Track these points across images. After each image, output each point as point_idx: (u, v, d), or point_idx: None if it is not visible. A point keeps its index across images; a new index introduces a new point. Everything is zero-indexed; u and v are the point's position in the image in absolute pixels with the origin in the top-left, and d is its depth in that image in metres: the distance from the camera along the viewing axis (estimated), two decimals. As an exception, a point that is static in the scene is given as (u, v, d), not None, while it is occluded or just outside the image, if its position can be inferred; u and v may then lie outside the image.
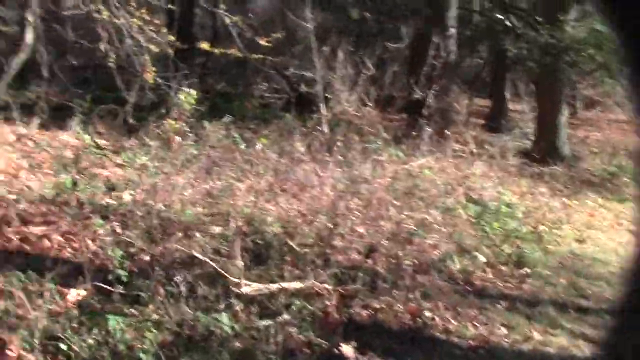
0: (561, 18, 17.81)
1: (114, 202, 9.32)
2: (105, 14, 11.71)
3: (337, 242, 8.79)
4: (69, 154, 11.35)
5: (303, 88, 16.60)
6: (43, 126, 13.51)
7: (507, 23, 20.59)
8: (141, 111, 13.40)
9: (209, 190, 9.78)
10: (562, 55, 17.89)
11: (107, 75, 14.07)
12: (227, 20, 12.92)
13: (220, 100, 19.43)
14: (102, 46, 12.60)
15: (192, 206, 9.19)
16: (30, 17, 11.77)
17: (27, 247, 8.07)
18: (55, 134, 13.15)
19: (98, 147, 11.92)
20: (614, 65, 17.60)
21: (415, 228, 9.61)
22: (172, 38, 13.12)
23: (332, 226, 8.94)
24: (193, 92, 11.92)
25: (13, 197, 9.32)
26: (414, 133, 14.14)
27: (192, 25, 22.61)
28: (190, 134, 11.74)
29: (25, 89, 15.89)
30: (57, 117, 13.73)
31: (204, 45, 14.59)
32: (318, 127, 12.99)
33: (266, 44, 12.74)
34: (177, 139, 11.26)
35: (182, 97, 11.78)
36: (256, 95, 21.12)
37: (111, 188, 9.89)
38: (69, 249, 8.13)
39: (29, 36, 11.96)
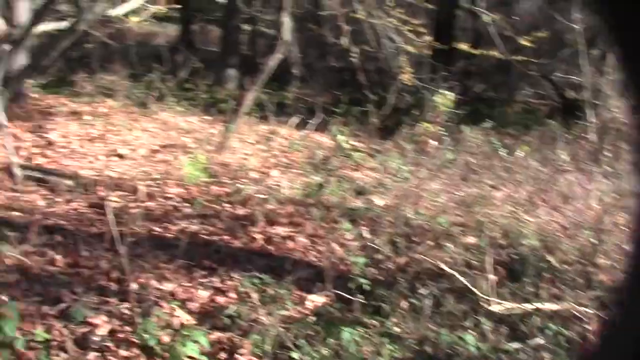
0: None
1: (364, 206, 8.97)
2: (361, 14, 11.43)
3: (602, 261, 8.02)
4: (321, 154, 11.19)
5: (570, 94, 15.77)
6: (298, 126, 13.53)
7: None
8: (397, 113, 13.09)
9: (464, 197, 9.24)
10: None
11: (365, 77, 13.89)
12: (488, 19, 12.25)
13: (481, 105, 18.91)
14: (354, 47, 12.40)
15: (445, 214, 8.70)
16: (285, 18, 11.71)
17: (270, 248, 7.87)
18: (310, 134, 13.10)
19: (352, 149, 11.70)
20: None
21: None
22: (429, 39, 12.71)
23: (596, 242, 8.18)
24: (450, 94, 11.42)
25: (262, 196, 9.21)
26: None
27: (452, 26, 22.11)
28: (447, 138, 11.27)
29: (282, 90, 16.06)
30: (312, 118, 13.67)
31: (463, 47, 14.05)
32: (584, 136, 12.18)
33: (528, 44, 12.01)
34: (433, 143, 10.81)
35: (438, 99, 11.30)
36: (519, 100, 20.47)
37: (361, 192, 9.57)
38: (313, 252, 7.86)
39: (285, 37, 11.91)
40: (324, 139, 12.57)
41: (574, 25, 13.56)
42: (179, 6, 23.08)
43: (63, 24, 9.37)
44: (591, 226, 8.37)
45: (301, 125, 13.52)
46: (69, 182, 9.14)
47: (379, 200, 9.16)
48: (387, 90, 12.97)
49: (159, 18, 25.32)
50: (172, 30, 26.86)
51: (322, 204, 8.91)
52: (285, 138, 12.74)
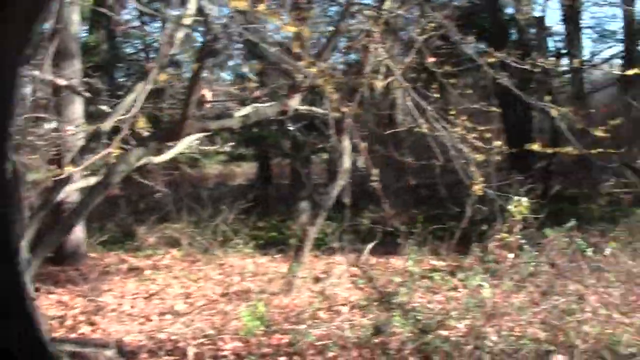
0: None
1: (438, 340, 8.28)
2: (425, 127, 11.08)
3: None
4: (395, 282, 10.60)
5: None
6: (372, 252, 13.01)
7: None
8: (474, 226, 12.55)
9: (549, 310, 8.53)
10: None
11: (441, 192, 13.55)
12: (555, 113, 11.79)
13: (564, 204, 18.40)
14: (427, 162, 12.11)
15: (529, 331, 8.02)
16: (346, 143, 11.46)
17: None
18: (386, 261, 12.65)
19: (431, 269, 11.19)
20: None
21: None
22: (498, 144, 12.23)
23: None
24: (524, 199, 10.84)
25: (325, 342, 8.61)
26: None
27: (526, 127, 21.80)
28: (527, 245, 10.64)
29: (357, 215, 15.66)
30: (390, 242, 13.18)
31: (536, 147, 13.55)
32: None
33: (604, 134, 11.50)
34: (509, 255, 10.19)
35: (513, 207, 10.73)
36: (603, 193, 19.89)
37: (440, 321, 8.90)
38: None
39: (346, 163, 11.64)
40: (402, 263, 12.01)
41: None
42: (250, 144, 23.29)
43: (92, 180, 9.06)
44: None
45: (376, 251, 13.02)
46: (109, 353, 8.65)
47: (461, 325, 8.52)
48: (464, 204, 12.45)
49: (235, 157, 25.70)
50: (249, 167, 27.20)
51: (393, 343, 8.28)
52: (361, 267, 12.21)
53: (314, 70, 9.32)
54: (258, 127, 19.74)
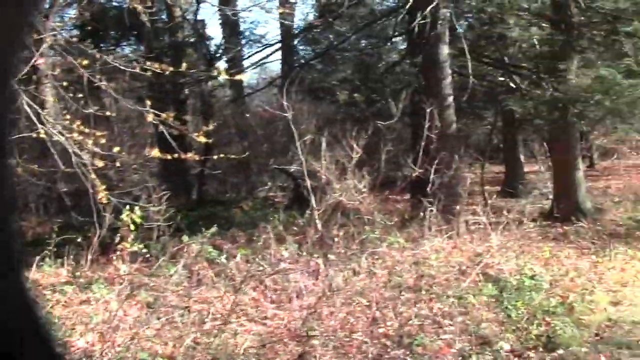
0: (562, 67, 16.87)
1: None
2: (42, 130, 10.43)
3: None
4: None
5: (305, 183, 15.70)
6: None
7: (511, 84, 19.72)
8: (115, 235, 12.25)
9: (164, 323, 8.45)
10: (569, 107, 16.92)
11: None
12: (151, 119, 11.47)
13: (218, 208, 18.63)
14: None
15: (147, 345, 7.91)
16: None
17: None
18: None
19: (66, 282, 10.76)
20: (624, 108, 16.66)
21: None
22: (117, 149, 11.87)
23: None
24: (137, 209, 10.55)
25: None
26: (421, 214, 13.06)
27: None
28: (151, 254, 10.49)
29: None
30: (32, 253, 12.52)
31: (191, 156, 13.43)
32: (311, 224, 11.92)
33: (205, 139, 11.62)
34: (122, 267, 10.02)
35: (124, 216, 10.42)
36: (260, 196, 20.39)
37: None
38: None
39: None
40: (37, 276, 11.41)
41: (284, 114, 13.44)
42: None
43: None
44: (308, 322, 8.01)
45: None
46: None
47: (82, 342, 8.26)
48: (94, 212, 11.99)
49: None
50: None
51: None
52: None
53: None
54: None
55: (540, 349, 8.71)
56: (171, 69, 11.04)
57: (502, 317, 9.48)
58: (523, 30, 17.07)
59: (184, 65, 12.09)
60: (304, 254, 10.64)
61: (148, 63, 10.72)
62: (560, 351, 8.66)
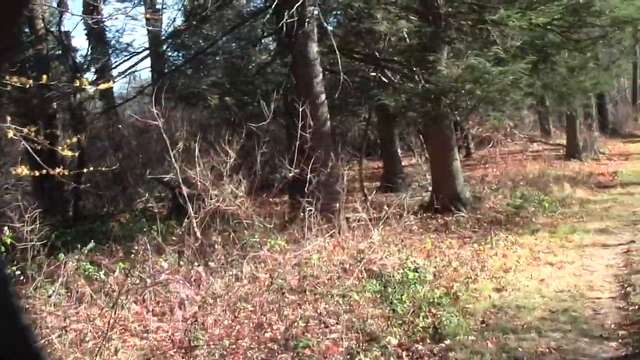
0: (432, 59, 16.98)
1: None
2: None
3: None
4: None
5: (183, 191, 15.42)
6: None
7: (383, 79, 19.76)
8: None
9: (41, 347, 8.12)
10: (441, 98, 17.05)
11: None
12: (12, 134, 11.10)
13: (97, 224, 18.16)
14: None
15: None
16: None
17: None
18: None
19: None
20: (495, 95, 16.89)
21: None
22: (21, 169, 11.50)
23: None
24: (6, 230, 10.11)
25: None
26: (301, 215, 12.95)
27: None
28: (26, 276, 10.05)
29: None
30: None
31: (60, 171, 13.01)
32: (190, 232, 11.68)
33: (70, 153, 11.32)
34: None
35: None
36: (138, 208, 19.99)
37: None
38: None
39: None
40: None
41: (154, 122, 13.14)
42: None
43: None
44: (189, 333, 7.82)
45: None
46: None
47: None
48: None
49: None
50: None
51: None
52: None
53: None
54: None
55: (428, 341, 8.72)
56: (31, 82, 10.64)
57: (388, 312, 9.45)
58: (391, 24, 17.04)
59: (44, 77, 11.75)
60: (184, 263, 10.43)
61: (7, 77, 10.31)
62: (448, 341, 8.68)
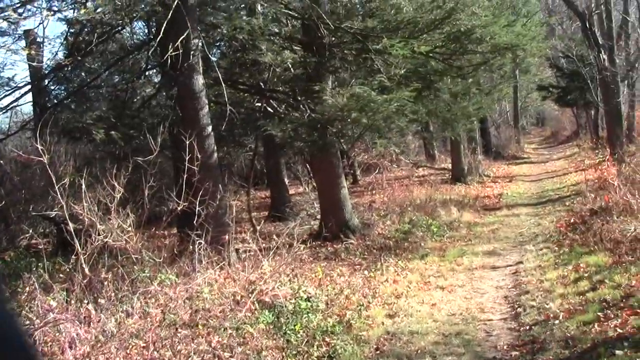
0: (317, 88, 17.05)
1: None
2: None
3: None
4: None
5: (68, 227, 15.10)
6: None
7: (269, 109, 19.75)
8: None
9: None
10: (327, 127, 17.15)
11: None
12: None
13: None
14: None
15: None
16: None
17: None
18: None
19: None
20: (380, 123, 17.06)
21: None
22: None
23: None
24: None
25: None
26: (190, 247, 12.78)
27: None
28: None
29: None
30: None
31: None
32: (77, 269, 11.40)
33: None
34: None
35: None
36: (22, 245, 19.48)
37: None
38: None
39: None
40: None
41: (39, 158, 12.86)
42: None
43: None
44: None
45: None
46: None
47: None
48: None
49: None
50: None
51: None
52: None
53: None
54: None
55: (323, 370, 8.69)
56: None
57: (282, 343, 9.38)
58: (276, 54, 17.06)
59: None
60: (74, 301, 10.16)
61: None
62: (342, 371, 8.65)
